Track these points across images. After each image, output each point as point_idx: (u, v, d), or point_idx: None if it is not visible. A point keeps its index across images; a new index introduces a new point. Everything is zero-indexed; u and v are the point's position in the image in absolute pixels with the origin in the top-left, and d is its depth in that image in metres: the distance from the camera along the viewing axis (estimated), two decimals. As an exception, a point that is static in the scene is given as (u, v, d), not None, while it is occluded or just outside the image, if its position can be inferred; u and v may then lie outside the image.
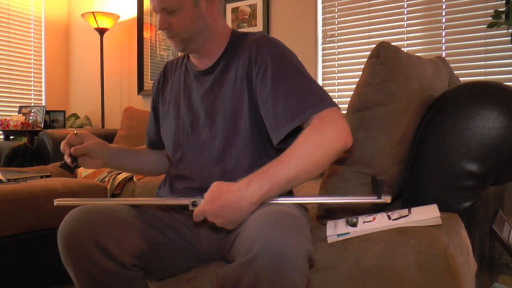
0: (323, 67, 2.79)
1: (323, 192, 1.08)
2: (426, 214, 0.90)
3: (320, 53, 2.79)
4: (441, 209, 0.93)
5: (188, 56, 1.16)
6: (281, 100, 0.93)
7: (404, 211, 0.94)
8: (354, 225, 0.94)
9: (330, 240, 0.92)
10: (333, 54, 2.75)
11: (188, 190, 1.07)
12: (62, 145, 1.08)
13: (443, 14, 2.39)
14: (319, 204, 1.09)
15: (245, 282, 0.74)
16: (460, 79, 1.60)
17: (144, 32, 3.50)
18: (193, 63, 1.13)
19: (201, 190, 0.93)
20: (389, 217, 0.93)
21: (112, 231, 0.93)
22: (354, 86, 1.11)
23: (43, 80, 3.82)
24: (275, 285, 0.72)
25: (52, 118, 3.54)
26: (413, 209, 0.95)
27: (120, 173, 2.35)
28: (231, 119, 1.02)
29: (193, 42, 1.05)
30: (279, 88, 0.94)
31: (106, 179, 2.34)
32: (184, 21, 1.03)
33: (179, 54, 3.44)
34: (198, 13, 1.04)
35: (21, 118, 3.26)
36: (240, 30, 1.18)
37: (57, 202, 1.00)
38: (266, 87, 0.96)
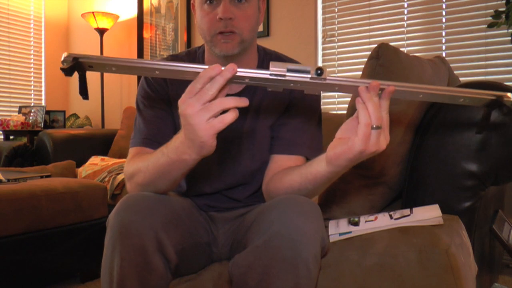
0: (323, 67, 2.79)
1: (323, 194, 1.08)
2: (427, 214, 0.91)
3: (320, 53, 2.79)
4: (441, 209, 0.93)
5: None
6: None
7: (406, 211, 0.95)
8: (356, 224, 0.94)
9: (332, 239, 0.92)
10: (333, 54, 2.74)
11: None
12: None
13: (443, 14, 2.38)
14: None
15: (258, 268, 0.72)
16: (460, 79, 1.60)
17: (144, 32, 3.50)
18: None
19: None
20: (391, 217, 0.93)
21: (169, 225, 0.84)
22: (355, 86, 1.10)
23: (43, 80, 3.81)
24: (289, 268, 0.71)
25: (52, 118, 3.54)
26: (415, 209, 0.95)
27: (120, 173, 2.35)
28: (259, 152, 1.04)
29: (247, 48, 0.96)
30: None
31: (106, 179, 2.33)
32: (250, 18, 0.93)
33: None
34: (258, 17, 0.97)
35: (21, 118, 3.26)
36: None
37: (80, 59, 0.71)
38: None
